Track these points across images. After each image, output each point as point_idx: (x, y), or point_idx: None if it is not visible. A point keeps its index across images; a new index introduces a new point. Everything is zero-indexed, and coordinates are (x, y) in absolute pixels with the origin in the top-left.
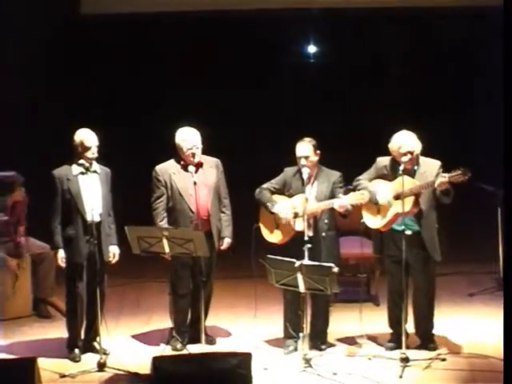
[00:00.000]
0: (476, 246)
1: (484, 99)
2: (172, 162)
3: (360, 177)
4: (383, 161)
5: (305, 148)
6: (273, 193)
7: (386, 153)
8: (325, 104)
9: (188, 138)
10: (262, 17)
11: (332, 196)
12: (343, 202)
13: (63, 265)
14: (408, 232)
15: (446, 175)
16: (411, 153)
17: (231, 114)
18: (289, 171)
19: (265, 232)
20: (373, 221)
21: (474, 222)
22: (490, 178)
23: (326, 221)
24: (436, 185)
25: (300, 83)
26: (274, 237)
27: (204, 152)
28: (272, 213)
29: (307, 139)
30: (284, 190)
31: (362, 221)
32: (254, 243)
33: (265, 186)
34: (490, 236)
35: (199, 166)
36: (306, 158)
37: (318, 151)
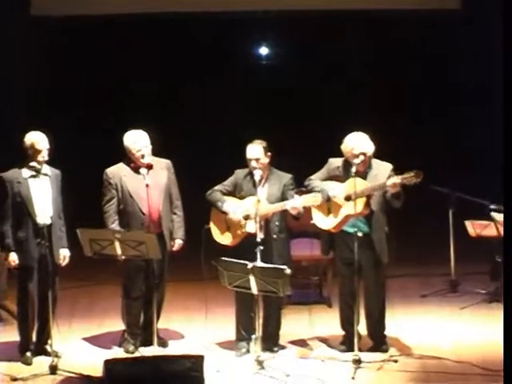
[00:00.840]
0: (428, 248)
1: (440, 102)
2: (122, 165)
3: (312, 176)
4: (335, 162)
5: (255, 150)
6: (224, 194)
7: (339, 154)
8: (276, 105)
9: (136, 139)
10: (214, 18)
11: (283, 198)
12: (296, 203)
13: (14, 267)
14: (359, 234)
15: (399, 177)
16: (364, 154)
17: (182, 115)
18: (240, 173)
19: (215, 233)
20: (323, 222)
21: (427, 224)
22: (444, 180)
23: (277, 223)
24: (387, 185)
25: (251, 84)
26: (224, 238)
27: (155, 154)
28: (222, 212)
29: (258, 141)
30: (235, 192)
31: (312, 221)
32: (205, 245)
33: (216, 187)
34: (442, 238)
35: (150, 167)
36: (257, 160)
37: (269, 153)
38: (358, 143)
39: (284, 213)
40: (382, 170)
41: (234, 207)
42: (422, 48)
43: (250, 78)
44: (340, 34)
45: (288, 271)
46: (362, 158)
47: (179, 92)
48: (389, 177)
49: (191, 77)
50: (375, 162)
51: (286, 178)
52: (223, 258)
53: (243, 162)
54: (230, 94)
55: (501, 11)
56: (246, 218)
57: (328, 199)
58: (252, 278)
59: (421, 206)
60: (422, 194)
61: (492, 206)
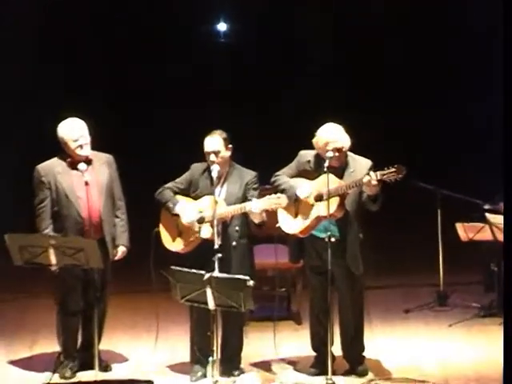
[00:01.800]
0: (412, 255)
1: (421, 97)
2: (56, 160)
3: (279, 172)
4: (307, 155)
5: (214, 142)
6: (176, 193)
7: (311, 147)
8: (237, 91)
9: (72, 128)
10: None
11: (245, 199)
12: (256, 206)
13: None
14: (332, 239)
15: (377, 173)
16: (339, 149)
17: (126, 103)
18: (196, 168)
19: (166, 239)
20: (290, 225)
21: (411, 226)
22: (428, 176)
23: (238, 227)
24: (364, 184)
25: (208, 67)
26: (176, 244)
27: (95, 147)
28: (173, 214)
29: (217, 131)
30: (190, 191)
31: (278, 225)
32: (154, 251)
33: (167, 185)
34: (428, 243)
35: (89, 162)
36: (216, 153)
37: (230, 145)
38: (332, 136)
39: (245, 216)
40: (359, 167)
41: (187, 208)
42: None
43: (206, 59)
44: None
45: (250, 282)
46: (336, 152)
47: (127, 75)
48: (367, 174)
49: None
50: (352, 158)
51: (249, 175)
52: (174, 268)
53: (201, 156)
54: (185, 78)
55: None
56: (201, 221)
57: (296, 199)
58: (209, 291)
59: (404, 207)
60: (405, 193)
61: (486, 206)
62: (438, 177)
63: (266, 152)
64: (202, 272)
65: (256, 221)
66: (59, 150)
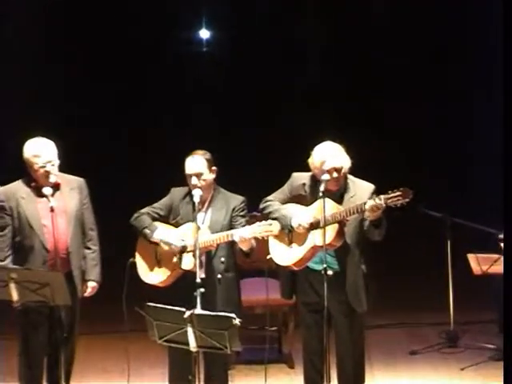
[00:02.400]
0: (419, 290)
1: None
2: (20, 183)
3: (269, 197)
4: (301, 178)
5: (197, 163)
6: (155, 220)
7: (306, 168)
8: (222, 106)
9: (40, 151)
10: None
11: (231, 227)
12: (246, 233)
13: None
14: (330, 272)
15: (381, 197)
16: (338, 170)
17: (100, 116)
18: (176, 193)
19: (142, 270)
20: (282, 256)
21: (418, 258)
22: (436, 203)
23: (223, 258)
24: (366, 210)
25: (189, 78)
26: (153, 277)
27: (62, 169)
28: (151, 242)
29: (200, 152)
30: (169, 217)
31: (269, 256)
32: (128, 286)
33: (144, 210)
34: (437, 276)
35: (56, 187)
36: (199, 175)
37: (214, 167)
38: (329, 156)
39: (232, 245)
40: (360, 192)
41: (166, 236)
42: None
43: (187, 70)
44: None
45: (237, 321)
46: (334, 174)
47: (104, 87)
48: (369, 199)
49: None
50: (352, 182)
51: (236, 200)
52: (151, 304)
53: (182, 178)
54: (166, 91)
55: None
56: (183, 250)
57: (290, 229)
58: (190, 330)
59: (410, 236)
60: (411, 220)
61: (501, 236)
62: (448, 202)
63: (255, 174)
64: (183, 309)
65: (244, 248)
66: (24, 170)
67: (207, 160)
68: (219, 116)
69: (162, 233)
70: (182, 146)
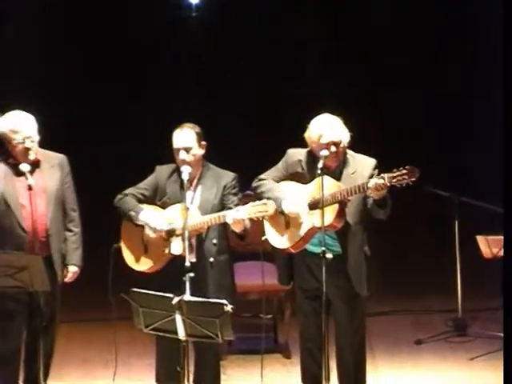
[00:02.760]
0: (426, 275)
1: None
2: None
3: (263, 175)
4: (297, 154)
5: (186, 136)
6: (140, 201)
7: (302, 143)
8: (212, 77)
9: (19, 126)
10: None
11: (223, 207)
12: (239, 215)
13: None
14: (329, 255)
15: (385, 176)
16: (336, 144)
17: (77, 91)
18: (162, 171)
19: (128, 256)
20: (279, 238)
21: (424, 240)
22: (443, 182)
23: (215, 241)
24: (369, 189)
25: (178, 47)
26: (140, 263)
27: (43, 145)
28: (137, 225)
29: (189, 125)
30: (156, 198)
31: (265, 238)
32: (114, 271)
33: (128, 191)
34: (445, 260)
35: (36, 164)
36: (188, 150)
37: (204, 142)
38: (327, 129)
39: (224, 227)
40: (361, 167)
41: (153, 219)
42: None
43: (175, 40)
44: None
45: (229, 307)
46: (333, 149)
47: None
48: (371, 176)
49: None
50: (352, 157)
51: (228, 177)
52: (137, 290)
53: (168, 156)
54: (148, 63)
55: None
56: (171, 234)
57: (282, 211)
58: (179, 318)
59: (416, 217)
60: (417, 200)
61: None
62: (456, 180)
63: (248, 150)
64: (171, 295)
65: (237, 230)
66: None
67: (197, 133)
68: (207, 85)
69: (148, 215)
70: (168, 119)
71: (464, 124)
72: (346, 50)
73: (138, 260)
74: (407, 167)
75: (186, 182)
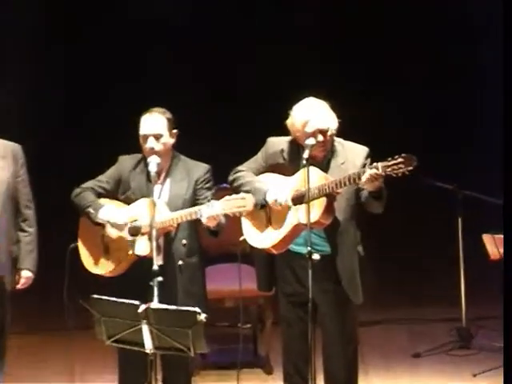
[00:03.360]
0: (425, 278)
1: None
2: None
3: (241, 167)
4: (278, 143)
5: (155, 122)
6: (100, 195)
7: (284, 131)
8: (180, 52)
9: None
10: None
11: (195, 202)
12: (214, 210)
13: None
14: (316, 256)
15: (379, 165)
16: (323, 132)
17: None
18: (125, 161)
19: (86, 258)
20: (259, 237)
21: (422, 238)
22: (446, 172)
23: (185, 241)
24: (362, 180)
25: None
26: (100, 266)
27: None
28: (96, 223)
29: (159, 109)
30: (118, 192)
31: (243, 237)
32: (70, 275)
33: (87, 184)
34: (446, 261)
35: None
36: (157, 137)
37: (175, 130)
38: (312, 116)
39: (196, 225)
40: (352, 157)
41: (115, 216)
42: None
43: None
44: None
45: (203, 316)
46: (320, 137)
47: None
48: (364, 166)
49: None
50: (341, 145)
51: (200, 169)
52: (98, 297)
53: (135, 145)
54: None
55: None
56: (135, 232)
57: (264, 204)
58: (145, 328)
59: (414, 212)
60: (415, 193)
61: None
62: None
63: (224, 139)
64: (136, 302)
65: (210, 225)
66: None
67: (168, 120)
68: (181, 62)
69: (109, 212)
70: (135, 103)
71: (465, 123)
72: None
73: (97, 262)
74: (403, 155)
75: (153, 174)
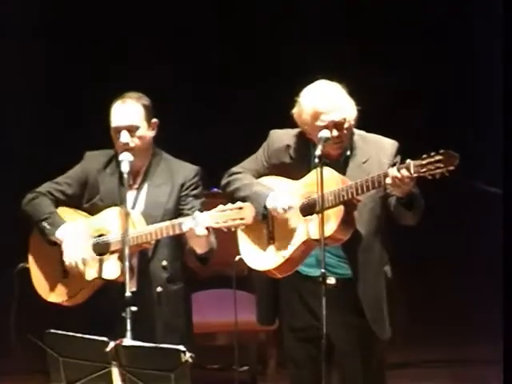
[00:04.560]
0: (468, 308)
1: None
2: None
3: (236, 168)
4: (283, 137)
5: (130, 112)
6: (59, 203)
7: (290, 123)
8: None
9: None
10: None
11: (179, 212)
12: (201, 223)
13: None
14: (331, 280)
15: (411, 164)
16: (339, 125)
17: None
18: (93, 159)
19: (39, 283)
20: (259, 257)
21: (466, 258)
22: (490, 173)
23: (165, 262)
24: (388, 183)
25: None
26: (57, 292)
27: None
28: (50, 242)
29: (133, 95)
30: (83, 198)
31: (239, 257)
32: (19, 303)
33: (43, 188)
34: (494, 285)
35: None
36: (132, 130)
37: (155, 120)
38: (325, 102)
39: (179, 243)
40: (376, 153)
41: (77, 232)
42: None
43: None
44: None
45: (188, 356)
46: (334, 132)
47: None
48: (393, 165)
49: None
50: (363, 139)
51: (187, 171)
52: (54, 332)
53: (107, 140)
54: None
55: None
56: (102, 250)
57: (265, 215)
58: (116, 371)
59: (457, 222)
60: (458, 198)
61: None
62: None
63: (216, 134)
64: (104, 339)
65: (198, 250)
66: None
67: (145, 107)
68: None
69: (69, 230)
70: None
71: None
72: None
73: (53, 288)
74: (442, 151)
75: (125, 175)
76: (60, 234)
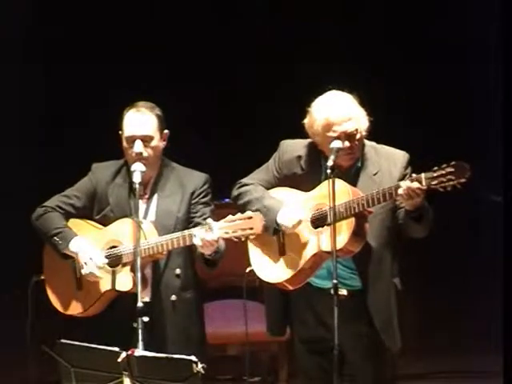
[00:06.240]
0: (478, 319)
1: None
2: None
3: (246, 179)
4: (295, 148)
5: (145, 121)
6: (70, 216)
7: (301, 133)
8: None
9: None
10: None
11: (189, 221)
12: (211, 235)
13: None
14: (343, 292)
15: (422, 176)
16: (351, 136)
17: None
18: (101, 171)
19: (54, 296)
20: (271, 269)
21: (474, 268)
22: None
23: (179, 271)
24: (400, 194)
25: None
26: (72, 305)
27: None
28: (64, 256)
29: (147, 104)
30: (93, 210)
31: (250, 268)
32: (34, 314)
33: (52, 202)
34: (501, 295)
35: None
36: (146, 140)
37: (166, 131)
38: (338, 113)
39: (191, 252)
40: (387, 165)
41: (88, 243)
42: None
43: None
44: None
45: (200, 366)
46: (346, 143)
47: None
48: (403, 177)
49: None
50: (374, 150)
51: (197, 179)
52: (67, 341)
53: (118, 151)
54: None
55: None
56: (115, 262)
57: (277, 230)
58: (127, 382)
59: (467, 235)
60: (468, 210)
61: None
62: None
63: (227, 144)
64: (116, 349)
65: (207, 252)
66: None
67: (158, 117)
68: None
69: (82, 244)
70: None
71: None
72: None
73: (68, 300)
74: (453, 163)
75: (137, 186)
76: (74, 247)
